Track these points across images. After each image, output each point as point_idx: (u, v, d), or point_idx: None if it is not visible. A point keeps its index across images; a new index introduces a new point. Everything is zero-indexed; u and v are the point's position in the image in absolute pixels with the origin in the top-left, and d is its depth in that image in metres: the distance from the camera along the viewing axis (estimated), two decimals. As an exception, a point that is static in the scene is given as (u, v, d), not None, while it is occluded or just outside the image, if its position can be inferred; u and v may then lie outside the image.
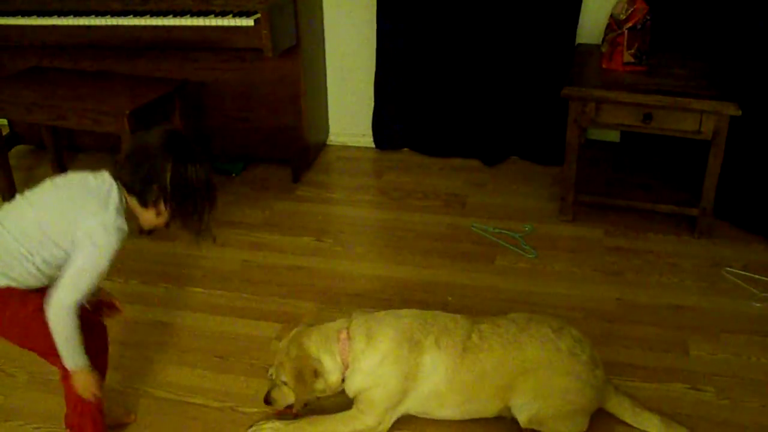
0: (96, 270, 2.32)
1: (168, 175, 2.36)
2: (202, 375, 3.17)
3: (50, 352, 2.41)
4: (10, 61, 4.93)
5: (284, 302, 3.55)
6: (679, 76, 3.89)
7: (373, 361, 2.72)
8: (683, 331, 3.29)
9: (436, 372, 2.71)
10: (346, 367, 2.75)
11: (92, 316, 2.65)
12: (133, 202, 2.43)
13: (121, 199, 2.40)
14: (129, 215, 2.45)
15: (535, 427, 2.73)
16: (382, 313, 2.87)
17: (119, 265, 3.87)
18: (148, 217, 2.47)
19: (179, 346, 3.34)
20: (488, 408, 2.78)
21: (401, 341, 2.73)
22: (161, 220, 2.49)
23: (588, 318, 3.36)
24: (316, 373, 2.72)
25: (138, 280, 3.81)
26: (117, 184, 2.42)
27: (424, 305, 3.01)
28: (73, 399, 2.57)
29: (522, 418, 2.72)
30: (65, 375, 2.50)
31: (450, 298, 3.48)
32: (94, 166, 4.97)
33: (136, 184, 2.40)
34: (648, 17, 3.87)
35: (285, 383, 2.75)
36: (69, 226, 2.33)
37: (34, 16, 4.46)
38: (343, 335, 2.76)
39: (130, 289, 3.73)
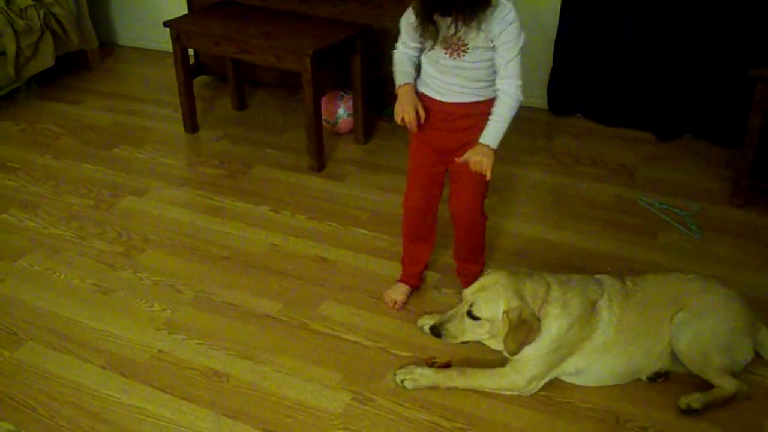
0: None
1: None
2: (358, 314, 3.26)
3: None
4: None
5: (444, 253, 3.58)
6: None
7: (562, 328, 2.74)
8: None
9: (610, 324, 2.79)
10: None
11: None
12: None
13: None
14: None
15: (699, 363, 2.76)
16: (564, 277, 2.88)
17: (287, 199, 4.02)
18: None
19: (339, 284, 3.44)
20: (651, 348, 2.82)
21: (587, 307, 2.77)
22: None
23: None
24: (538, 329, 2.73)
25: (305, 215, 3.93)
26: None
27: (581, 272, 3.00)
28: None
29: (682, 344, 2.76)
30: None
31: (609, 269, 3.43)
32: (273, 102, 5.14)
33: None
34: None
35: (477, 318, 2.73)
36: None
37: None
38: (542, 300, 2.76)
39: (297, 224, 3.86)
